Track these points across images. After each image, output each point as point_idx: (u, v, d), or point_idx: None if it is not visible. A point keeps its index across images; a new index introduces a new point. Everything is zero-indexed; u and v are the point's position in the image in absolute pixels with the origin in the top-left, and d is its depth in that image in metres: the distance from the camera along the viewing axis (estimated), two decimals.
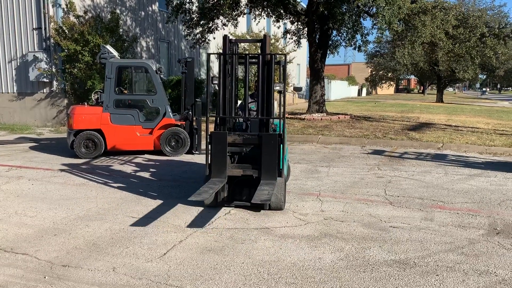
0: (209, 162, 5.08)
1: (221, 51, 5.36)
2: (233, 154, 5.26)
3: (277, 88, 5.11)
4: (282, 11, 16.74)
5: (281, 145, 4.97)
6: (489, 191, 6.12)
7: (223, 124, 5.22)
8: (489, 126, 14.38)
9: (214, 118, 5.37)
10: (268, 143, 4.92)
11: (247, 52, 20.98)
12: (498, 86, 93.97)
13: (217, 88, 5.30)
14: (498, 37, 23.74)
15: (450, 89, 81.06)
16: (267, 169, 4.93)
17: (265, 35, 5.28)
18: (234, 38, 5.49)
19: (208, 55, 5.40)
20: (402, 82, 78.34)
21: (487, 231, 4.47)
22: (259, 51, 5.44)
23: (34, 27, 13.97)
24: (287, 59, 5.49)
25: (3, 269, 3.50)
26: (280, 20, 17.89)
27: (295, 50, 22.28)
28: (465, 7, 24.25)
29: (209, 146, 5.09)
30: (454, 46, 21.97)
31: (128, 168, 7.64)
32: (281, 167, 4.98)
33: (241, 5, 16.29)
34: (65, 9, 13.79)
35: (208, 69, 5.37)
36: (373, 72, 50.50)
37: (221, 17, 15.93)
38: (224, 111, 5.18)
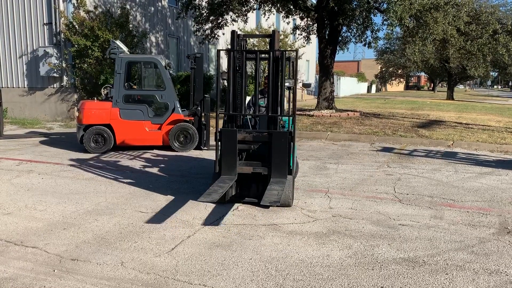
0: (218, 159, 5.06)
1: (230, 47, 5.32)
2: (241, 151, 5.24)
3: (287, 84, 5.07)
4: (291, 6, 16.64)
5: (292, 143, 4.94)
6: (500, 189, 6.05)
7: (232, 121, 5.19)
8: (501, 124, 14.20)
9: (222, 115, 5.34)
10: (279, 141, 4.88)
11: (256, 48, 20.93)
12: (510, 83, 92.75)
13: (226, 84, 5.28)
14: (511, 34, 23.39)
15: (461, 87, 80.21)
16: (277, 167, 4.90)
17: (274, 31, 5.23)
18: (242, 34, 5.45)
19: (218, 51, 5.35)
20: (412, 79, 77.71)
21: (498, 230, 4.42)
22: (268, 47, 5.39)
23: (44, 22, 14.06)
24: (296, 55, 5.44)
25: (13, 262, 3.53)
26: (290, 16, 17.79)
27: (304, 46, 22.17)
28: (477, 3, 23.87)
29: (218, 143, 5.07)
30: (466, 43, 21.67)
31: (137, 163, 7.67)
32: (291, 165, 4.96)
33: (251, 0, 16.24)
34: (76, 4, 13.85)
35: (218, 65, 5.34)
36: (383, 69, 50.14)
37: (230, 13, 15.88)
38: (233, 107, 5.15)
